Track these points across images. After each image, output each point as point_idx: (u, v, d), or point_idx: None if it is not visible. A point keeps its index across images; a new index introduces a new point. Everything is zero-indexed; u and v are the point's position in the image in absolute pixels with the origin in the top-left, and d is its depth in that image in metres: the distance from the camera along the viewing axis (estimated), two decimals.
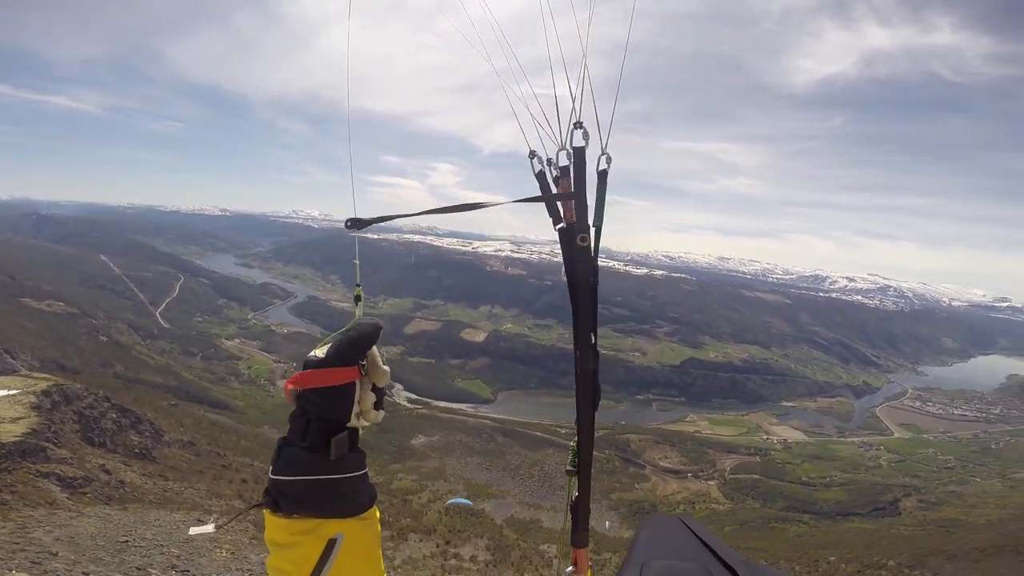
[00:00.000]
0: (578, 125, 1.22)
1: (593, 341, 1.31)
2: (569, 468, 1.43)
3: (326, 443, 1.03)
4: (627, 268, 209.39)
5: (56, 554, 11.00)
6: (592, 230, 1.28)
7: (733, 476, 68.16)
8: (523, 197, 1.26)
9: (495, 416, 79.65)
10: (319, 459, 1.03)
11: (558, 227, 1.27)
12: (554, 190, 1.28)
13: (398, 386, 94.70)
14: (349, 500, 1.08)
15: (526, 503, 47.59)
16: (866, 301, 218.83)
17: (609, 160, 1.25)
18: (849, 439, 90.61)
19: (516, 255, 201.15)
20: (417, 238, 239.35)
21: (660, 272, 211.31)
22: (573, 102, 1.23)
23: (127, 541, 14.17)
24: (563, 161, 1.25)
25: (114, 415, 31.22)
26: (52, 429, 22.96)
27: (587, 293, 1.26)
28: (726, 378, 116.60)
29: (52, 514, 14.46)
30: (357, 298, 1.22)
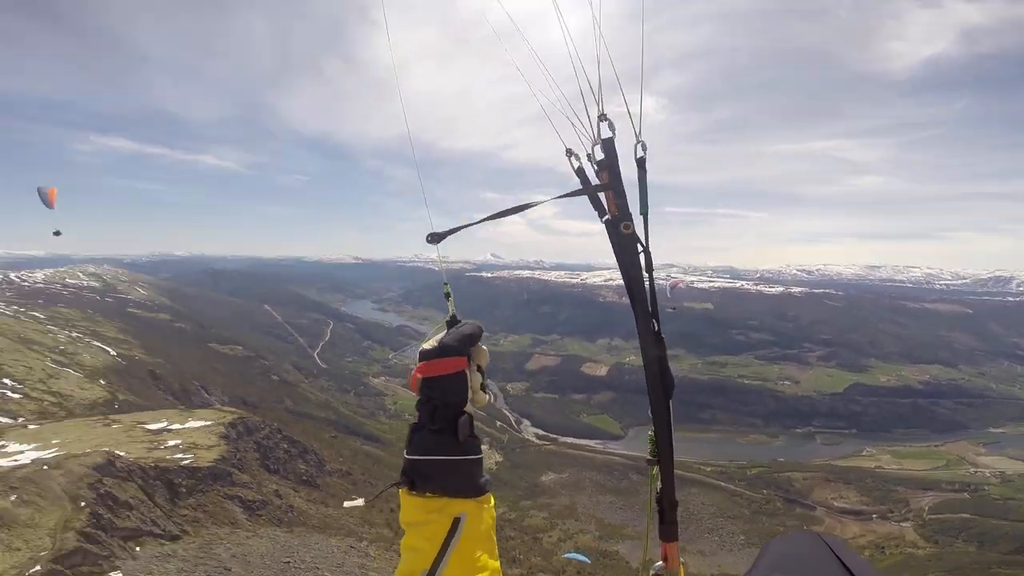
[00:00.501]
0: (603, 117, 1.28)
1: (656, 328, 1.39)
2: (649, 458, 1.45)
3: (452, 426, 1.21)
4: (759, 288, 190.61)
5: (230, 570, 12.31)
6: (640, 219, 1.34)
7: (934, 516, 56.86)
8: (563, 194, 1.35)
9: (626, 452, 75.66)
10: (447, 440, 1.21)
11: (604, 219, 1.33)
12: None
13: (525, 422, 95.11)
14: (472, 480, 1.24)
15: (680, 560, 43.69)
16: None
17: (644, 147, 1.29)
18: None
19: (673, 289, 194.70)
20: (526, 274, 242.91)
21: (799, 289, 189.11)
22: (595, 95, 1.27)
23: (289, 562, 15.46)
24: (600, 155, 1.30)
25: (285, 445, 35.24)
26: (237, 456, 26.37)
27: (639, 281, 1.34)
28: (906, 404, 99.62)
29: (233, 533, 16.34)
30: (447, 295, 1.44)
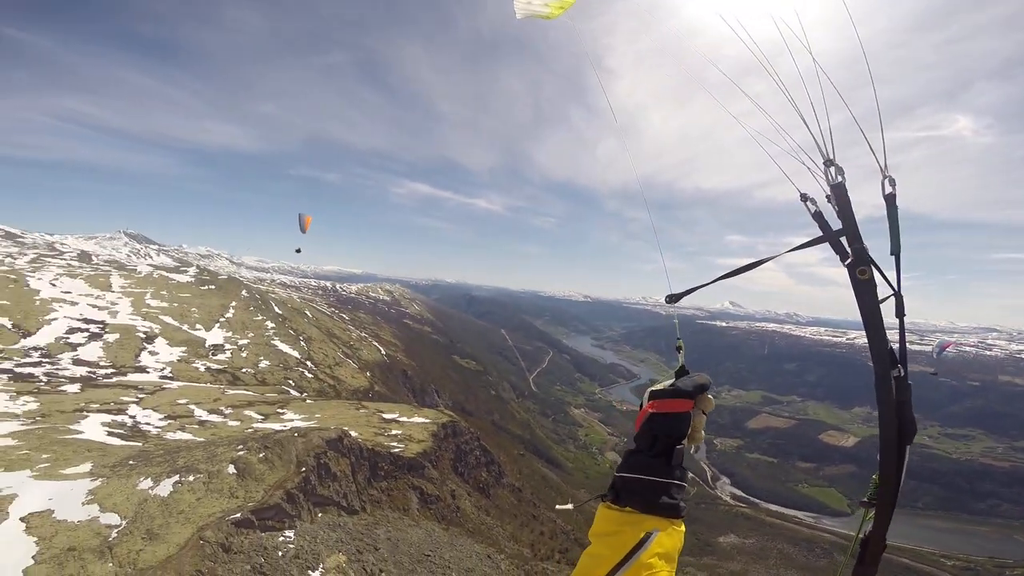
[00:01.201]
0: (829, 163, 1.33)
1: (901, 374, 1.40)
2: (865, 500, 1.46)
3: (668, 452, 1.43)
4: None
5: (377, 549, 16.51)
6: (892, 259, 1.38)
7: None
8: (801, 244, 1.42)
9: (842, 531, 62.36)
10: (661, 464, 1.41)
11: (846, 264, 1.36)
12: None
13: (724, 479, 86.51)
14: (671, 502, 1.39)
15: None
16: None
17: (893, 183, 1.33)
18: None
19: (917, 347, 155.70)
20: (772, 326, 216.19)
21: None
22: (818, 141, 1.33)
23: (429, 556, 19.24)
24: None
25: (478, 453, 40.96)
26: (436, 454, 32.27)
27: (877, 328, 1.34)
28: None
29: (401, 518, 21.18)
30: (679, 348, 1.67)
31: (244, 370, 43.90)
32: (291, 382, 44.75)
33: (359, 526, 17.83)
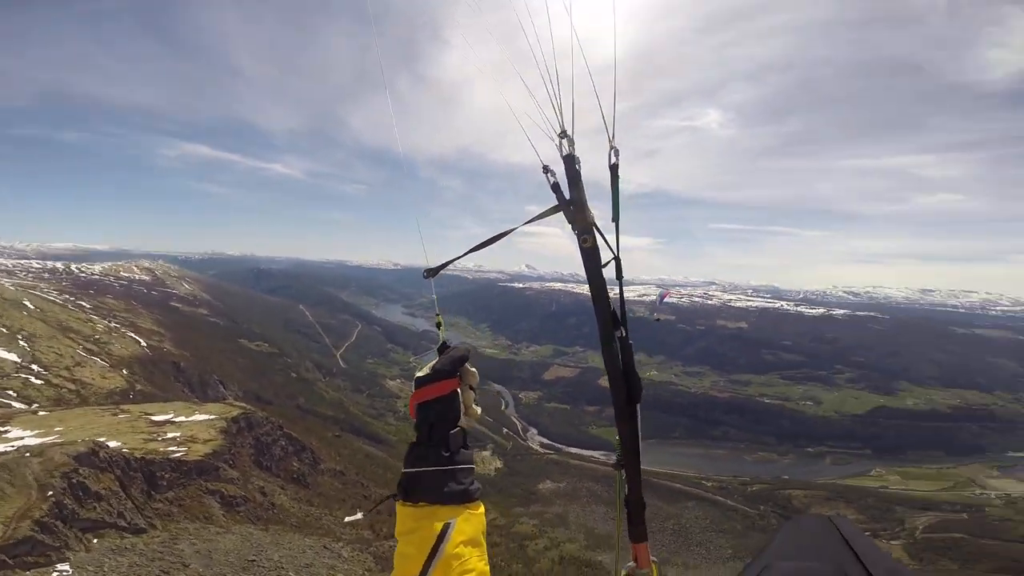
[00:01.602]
0: (563, 135, 1.32)
1: (623, 334, 1.45)
2: (615, 462, 1.54)
3: (445, 439, 1.34)
4: (799, 308, 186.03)
5: (187, 566, 13.26)
6: (613, 225, 1.41)
7: (927, 535, 56.38)
8: (537, 215, 1.43)
9: None
10: (440, 452, 1.33)
11: (575, 231, 1.39)
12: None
13: (533, 430, 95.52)
14: (460, 488, 1.33)
15: (654, 556, 43.32)
16: None
17: (617, 153, 1.36)
18: None
19: (664, 299, 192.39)
20: (559, 286, 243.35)
21: (841, 311, 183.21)
22: (556, 111, 1.32)
23: (254, 561, 16.38)
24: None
25: (283, 442, 36.64)
26: (232, 451, 27.74)
27: (601, 290, 1.39)
28: (928, 428, 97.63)
29: (204, 528, 17.46)
30: (438, 324, 1.56)
31: None
32: (11, 392, 33.75)
33: (153, 544, 14.17)
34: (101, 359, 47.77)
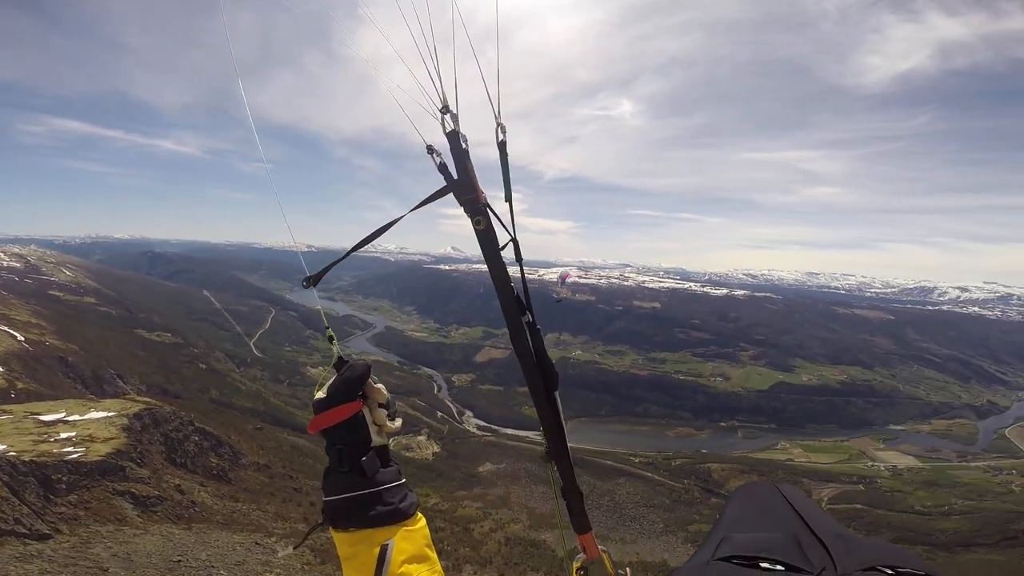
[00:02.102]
0: (444, 110, 1.22)
1: (530, 320, 1.37)
2: (544, 454, 1.48)
3: (360, 465, 1.26)
4: (705, 289, 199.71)
5: (106, 570, 11.53)
6: (506, 205, 1.33)
7: (831, 507, 61.67)
8: (424, 200, 1.31)
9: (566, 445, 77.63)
10: (358, 478, 1.25)
11: (468, 214, 1.30)
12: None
13: (468, 413, 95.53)
14: (390, 509, 1.26)
15: (600, 548, 44.97)
16: (985, 312, 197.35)
17: (503, 130, 1.26)
18: (973, 464, 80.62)
19: (584, 280, 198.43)
20: (485, 267, 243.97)
21: (742, 292, 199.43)
22: (437, 86, 1.22)
23: (180, 561, 14.67)
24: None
25: (196, 438, 33.46)
26: (138, 450, 24.81)
27: (502, 273, 1.32)
28: (822, 402, 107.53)
29: (119, 531, 15.37)
30: (330, 338, 1.40)
31: None
32: None
33: (63, 550, 12.20)
34: None
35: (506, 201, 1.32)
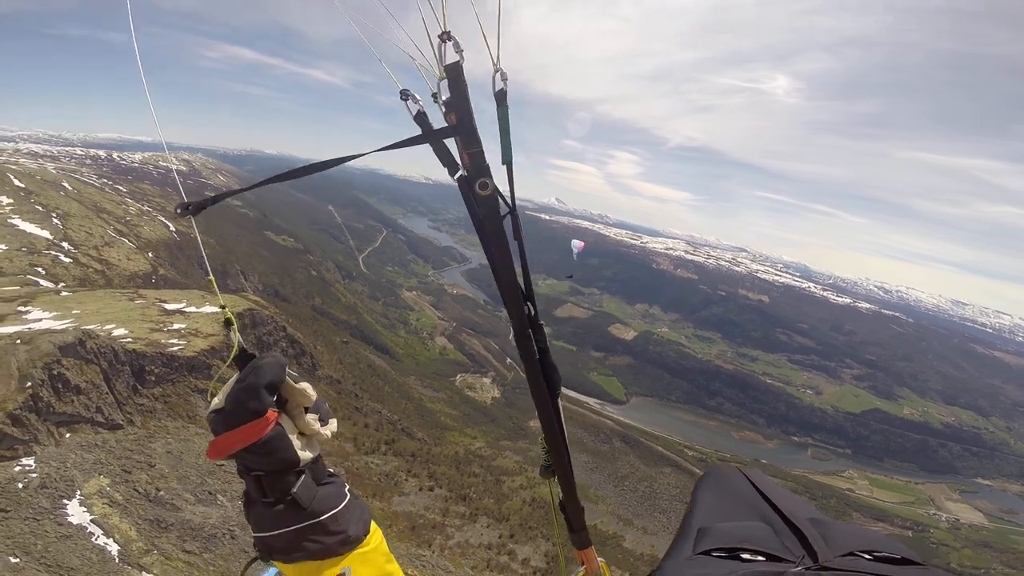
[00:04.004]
0: (446, 36, 0.97)
1: (531, 312, 1.17)
2: (544, 466, 1.33)
3: (288, 496, 0.99)
4: (826, 294, 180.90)
5: (153, 466, 14.27)
6: (504, 168, 1.09)
7: None
8: (395, 143, 1.07)
9: (620, 419, 77.51)
10: (290, 510, 1.00)
11: (456, 176, 1.07)
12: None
13: None
14: (340, 539, 1.05)
15: (617, 515, 45.72)
16: None
17: (504, 77, 1.01)
18: None
19: (689, 256, 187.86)
20: (586, 224, 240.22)
21: (868, 305, 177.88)
22: (433, 9, 0.97)
23: (222, 465, 17.50)
24: (446, 93, 1.02)
25: (284, 344, 38.08)
26: (230, 349, 29.10)
27: (504, 254, 1.10)
28: (915, 440, 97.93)
29: (184, 428, 18.63)
30: (227, 322, 1.06)
31: None
32: (40, 270, 35.02)
33: (127, 442, 15.05)
34: (129, 240, 49.41)
35: (503, 164, 1.09)
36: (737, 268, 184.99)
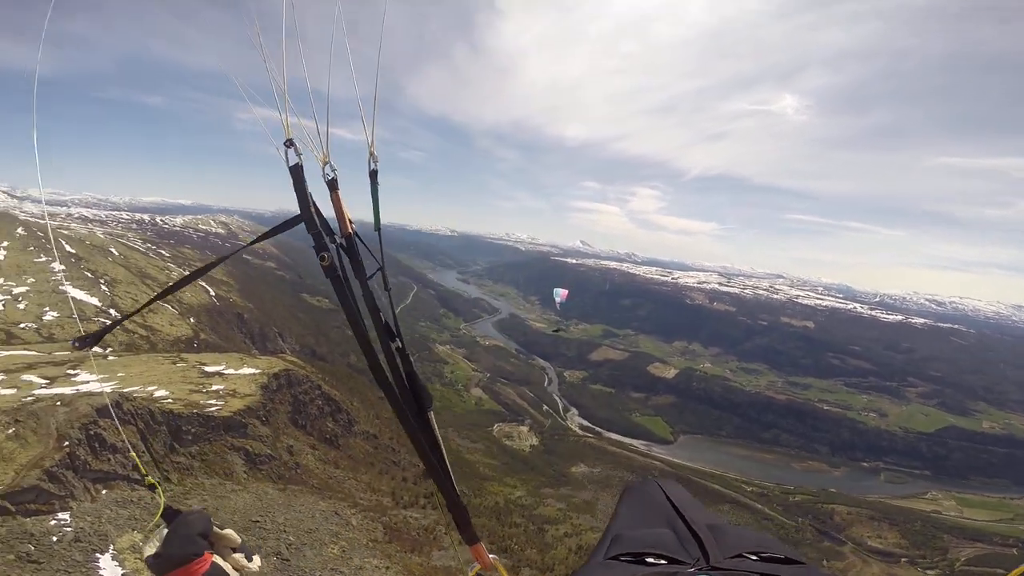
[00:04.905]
0: (289, 144, 1.21)
1: (400, 346, 1.42)
2: (423, 472, 1.44)
3: None
4: (874, 313, 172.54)
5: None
6: (373, 236, 1.39)
7: (966, 568, 53.02)
8: (266, 233, 1.37)
9: (669, 459, 73.64)
10: None
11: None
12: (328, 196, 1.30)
13: (573, 411, 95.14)
14: None
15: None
16: None
17: (375, 159, 1.31)
18: None
19: (724, 288, 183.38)
20: (614, 264, 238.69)
21: (922, 320, 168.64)
22: (281, 114, 1.23)
23: (258, 522, 17.07)
24: (329, 174, 1.28)
25: (320, 402, 38.03)
26: (267, 408, 29.04)
27: (352, 312, 1.30)
28: (1001, 454, 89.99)
29: (220, 484, 18.42)
30: (152, 486, 1.34)
31: (23, 325, 35.48)
32: None
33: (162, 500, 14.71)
34: (172, 306, 51.50)
35: (375, 231, 1.42)
36: (776, 296, 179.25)
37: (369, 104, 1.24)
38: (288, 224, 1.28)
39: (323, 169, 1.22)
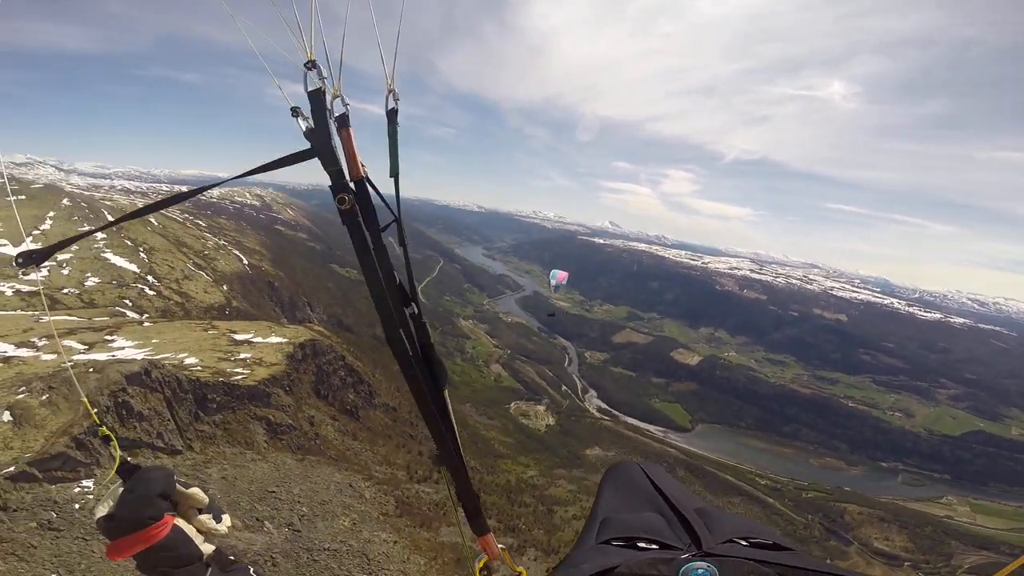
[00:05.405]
0: (310, 65, 1.05)
1: (416, 312, 1.27)
2: (434, 459, 1.41)
3: None
4: (912, 310, 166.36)
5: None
6: (392, 180, 1.22)
7: None
8: (258, 167, 1.16)
9: (685, 447, 73.51)
10: None
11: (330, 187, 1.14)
12: (338, 145, 1.13)
13: (592, 392, 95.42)
14: None
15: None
16: None
17: (396, 97, 1.13)
18: None
19: (756, 275, 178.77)
20: (643, 246, 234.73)
21: (962, 320, 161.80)
22: (303, 35, 1.06)
23: (274, 492, 17.86)
24: (339, 109, 1.11)
25: (343, 373, 38.94)
26: (291, 378, 29.98)
27: (370, 262, 1.18)
28: None
29: (241, 454, 19.28)
30: (106, 438, 1.19)
31: (66, 291, 37.00)
32: (127, 302, 38.50)
33: (184, 467, 15.80)
34: (206, 274, 53.40)
35: (391, 176, 1.23)
36: (809, 286, 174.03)
37: (389, 36, 1.06)
38: (297, 157, 1.09)
39: (332, 103, 1.05)
